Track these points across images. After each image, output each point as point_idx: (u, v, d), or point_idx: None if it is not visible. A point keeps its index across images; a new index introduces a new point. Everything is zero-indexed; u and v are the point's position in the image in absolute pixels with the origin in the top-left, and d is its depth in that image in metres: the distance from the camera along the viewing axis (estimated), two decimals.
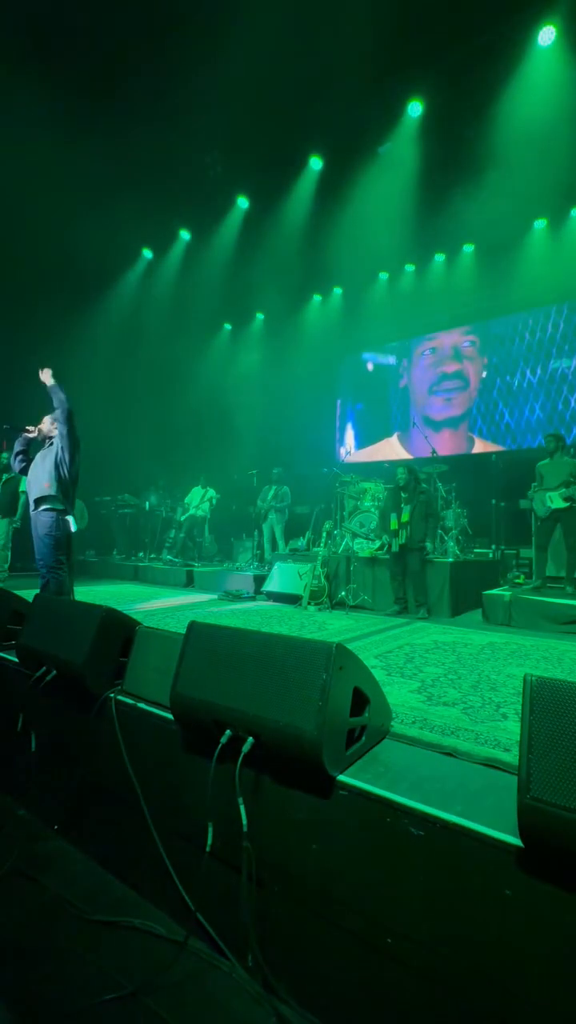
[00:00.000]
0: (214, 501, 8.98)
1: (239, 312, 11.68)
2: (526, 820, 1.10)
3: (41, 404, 4.05)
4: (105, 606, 2.31)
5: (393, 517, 5.43)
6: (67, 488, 3.88)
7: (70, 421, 3.87)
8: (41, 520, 3.81)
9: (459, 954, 1.17)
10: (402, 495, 5.45)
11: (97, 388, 8.69)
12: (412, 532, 5.24)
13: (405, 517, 5.30)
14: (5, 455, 6.32)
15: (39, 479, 3.84)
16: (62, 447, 3.84)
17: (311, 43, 5.91)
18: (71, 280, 9.02)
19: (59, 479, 3.82)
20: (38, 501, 3.82)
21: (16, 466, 4.04)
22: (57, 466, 3.83)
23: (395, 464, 6.64)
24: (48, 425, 3.99)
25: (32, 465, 3.97)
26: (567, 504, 5.05)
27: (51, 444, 3.94)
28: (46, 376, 3.92)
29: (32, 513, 3.89)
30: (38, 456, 3.98)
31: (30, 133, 6.87)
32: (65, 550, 3.89)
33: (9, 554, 6.52)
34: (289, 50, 5.95)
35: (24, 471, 4.01)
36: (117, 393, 9.69)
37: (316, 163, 7.96)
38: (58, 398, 3.87)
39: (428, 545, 5.49)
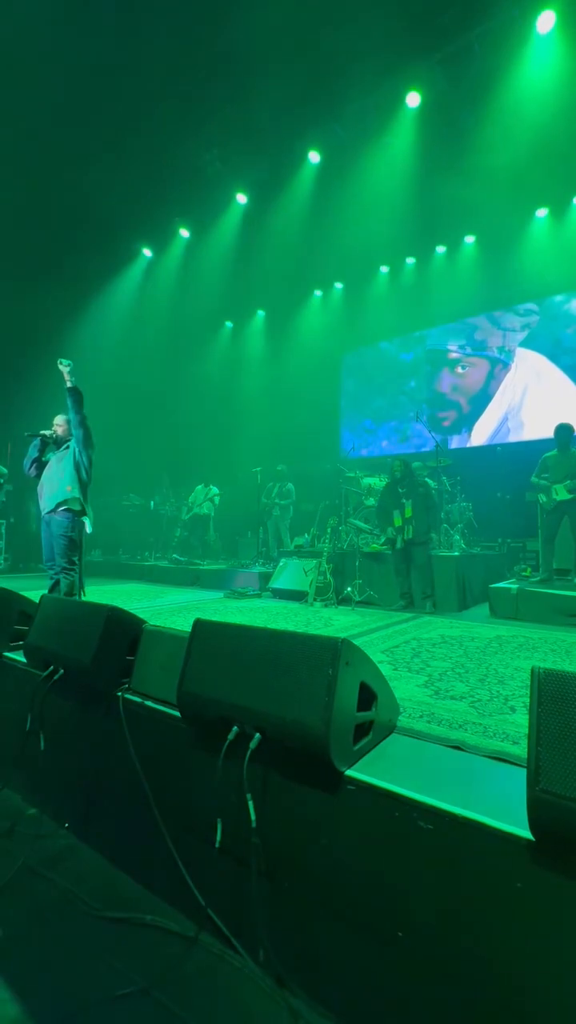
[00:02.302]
0: (216, 500, 8.99)
1: (240, 309, 11.68)
2: (536, 812, 1.09)
3: (43, 404, 4.06)
4: (111, 605, 2.31)
5: (396, 514, 5.39)
6: (86, 491, 3.92)
7: (86, 424, 3.90)
8: (57, 521, 3.84)
9: (470, 947, 1.17)
10: (400, 490, 5.41)
11: (99, 388, 8.70)
12: (417, 526, 5.22)
13: (408, 512, 5.28)
14: None
15: (58, 483, 3.86)
16: (80, 450, 3.88)
17: (308, 37, 5.87)
18: (71, 281, 9.03)
19: (80, 482, 3.88)
20: (57, 504, 3.84)
21: (32, 472, 4.05)
22: (77, 469, 3.87)
23: (400, 458, 6.61)
24: (63, 428, 4.00)
25: (47, 475, 3.97)
26: (572, 496, 5.01)
27: (66, 447, 3.95)
28: (65, 371, 3.91)
29: (45, 515, 3.91)
30: (53, 459, 3.98)
31: (30, 134, 6.87)
32: (79, 551, 3.93)
33: (3, 543, 6.53)
34: (286, 45, 5.91)
35: (38, 476, 4.02)
36: (120, 393, 9.70)
37: (314, 157, 7.92)
38: (74, 399, 3.89)
39: (433, 536, 5.48)
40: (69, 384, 3.90)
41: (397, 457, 5.74)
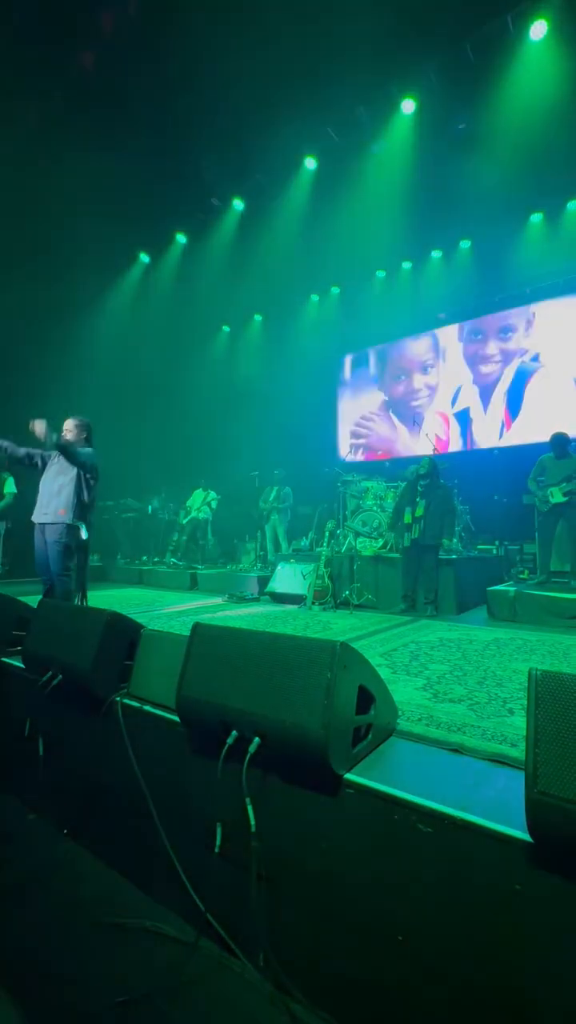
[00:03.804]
0: (214, 504, 8.99)
1: (237, 314, 11.71)
2: (534, 814, 1.10)
3: (39, 411, 4.01)
4: (110, 610, 2.32)
5: (408, 511, 5.29)
6: (85, 512, 3.87)
7: (88, 466, 3.84)
8: (50, 528, 3.81)
9: (470, 949, 1.17)
10: (419, 487, 5.31)
11: (97, 393, 8.73)
12: (426, 527, 5.13)
13: (420, 511, 5.18)
14: None
15: (53, 500, 3.79)
16: (89, 477, 3.83)
17: (303, 43, 5.92)
18: (68, 285, 9.05)
19: (79, 505, 3.82)
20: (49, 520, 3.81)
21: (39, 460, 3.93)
22: (78, 494, 3.81)
23: (396, 463, 6.62)
24: (73, 434, 3.92)
25: (44, 480, 3.89)
26: (567, 499, 5.04)
27: (62, 458, 3.86)
28: (40, 431, 3.55)
29: (38, 523, 3.90)
30: (54, 464, 3.89)
31: (26, 138, 6.90)
32: (74, 558, 3.90)
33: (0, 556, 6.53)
34: (281, 51, 5.96)
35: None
36: (117, 397, 9.72)
37: (310, 163, 7.97)
38: (67, 453, 3.72)
39: (445, 542, 5.39)
40: (54, 441, 3.64)
41: (426, 456, 5.65)
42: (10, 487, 6.41)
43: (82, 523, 3.88)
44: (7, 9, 5.81)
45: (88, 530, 3.95)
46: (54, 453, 3.91)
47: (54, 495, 3.81)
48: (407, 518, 5.27)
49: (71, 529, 3.81)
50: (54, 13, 5.95)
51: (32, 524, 3.95)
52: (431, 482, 5.32)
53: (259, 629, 2.61)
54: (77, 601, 3.95)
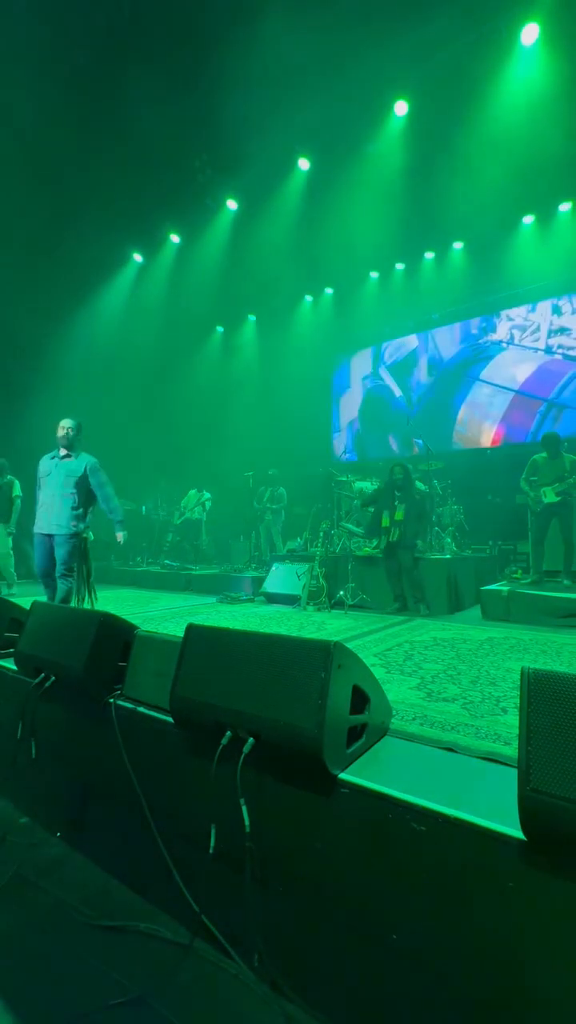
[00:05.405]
0: (208, 504, 8.98)
1: (231, 314, 11.70)
2: (527, 812, 1.10)
3: (34, 411, 4.02)
4: (103, 611, 2.31)
5: (386, 514, 5.37)
6: (88, 517, 4.00)
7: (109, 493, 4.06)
8: (59, 536, 3.86)
9: (464, 948, 1.18)
10: (396, 493, 5.40)
11: (90, 393, 8.70)
12: (405, 530, 5.21)
13: (399, 515, 5.26)
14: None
15: (60, 514, 3.84)
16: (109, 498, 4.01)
17: (297, 45, 5.92)
18: (61, 286, 9.01)
19: (87, 513, 3.94)
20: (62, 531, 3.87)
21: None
22: (85, 503, 3.93)
23: (391, 462, 6.63)
24: (66, 431, 3.96)
25: (46, 492, 3.93)
26: (560, 498, 5.07)
27: (69, 457, 3.93)
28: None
29: (42, 535, 3.93)
30: (53, 472, 3.91)
31: (20, 137, 6.87)
32: (79, 557, 3.93)
33: (13, 560, 6.53)
34: (275, 52, 5.96)
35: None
36: (110, 398, 9.68)
37: (304, 164, 7.98)
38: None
39: (419, 543, 5.47)
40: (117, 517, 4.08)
41: (398, 462, 5.67)
42: (17, 490, 6.41)
43: (89, 528, 3.96)
44: (6, 6, 5.77)
45: (91, 531, 4.02)
46: (51, 463, 3.95)
47: (61, 507, 3.85)
48: (385, 521, 5.34)
49: (80, 536, 3.88)
50: (49, 11, 5.92)
51: (33, 532, 3.98)
52: (408, 487, 5.43)
53: (253, 630, 2.60)
54: (88, 603, 3.98)
